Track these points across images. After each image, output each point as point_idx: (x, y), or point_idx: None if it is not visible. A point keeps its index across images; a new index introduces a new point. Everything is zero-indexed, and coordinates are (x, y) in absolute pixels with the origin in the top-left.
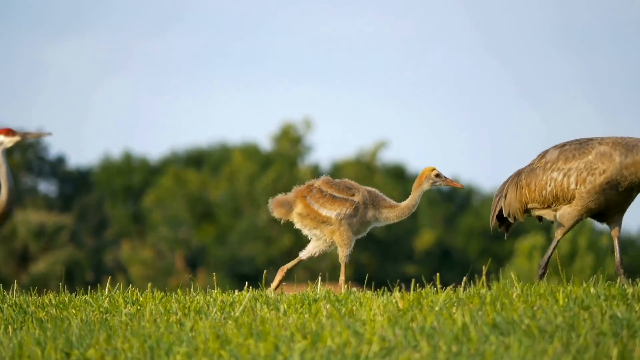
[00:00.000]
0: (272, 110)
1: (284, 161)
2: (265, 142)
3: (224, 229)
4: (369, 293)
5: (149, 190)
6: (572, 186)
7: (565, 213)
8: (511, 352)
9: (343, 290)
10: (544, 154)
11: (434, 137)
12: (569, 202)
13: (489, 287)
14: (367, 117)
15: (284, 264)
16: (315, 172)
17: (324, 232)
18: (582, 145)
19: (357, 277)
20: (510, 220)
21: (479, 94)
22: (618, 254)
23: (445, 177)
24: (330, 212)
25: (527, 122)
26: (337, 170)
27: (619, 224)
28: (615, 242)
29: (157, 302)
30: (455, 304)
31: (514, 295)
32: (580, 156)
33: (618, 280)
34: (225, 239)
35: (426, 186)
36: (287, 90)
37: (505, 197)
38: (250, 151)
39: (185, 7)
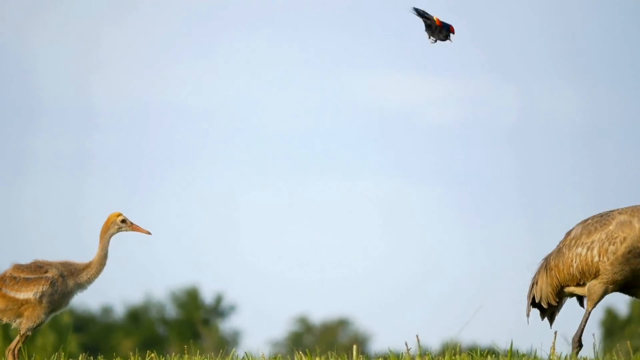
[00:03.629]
0: None
1: None
2: None
3: None
4: None
5: None
6: (596, 259)
7: (592, 286)
8: None
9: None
10: (569, 232)
11: None
12: (595, 276)
13: None
14: None
15: None
16: None
17: (23, 313)
18: (602, 218)
19: None
20: (544, 305)
21: None
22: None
23: (131, 223)
24: (27, 294)
25: None
26: None
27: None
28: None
29: None
30: None
31: None
32: (602, 227)
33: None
34: None
35: (113, 231)
36: None
37: (537, 283)
38: None
39: None
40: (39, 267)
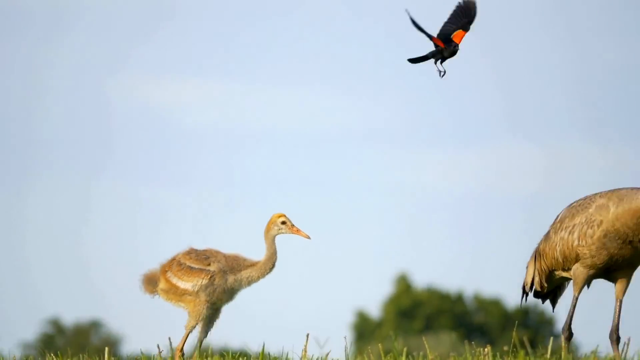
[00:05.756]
0: None
1: None
2: None
3: None
4: None
5: None
6: (575, 242)
7: (575, 270)
8: None
9: (177, 357)
10: (557, 216)
11: None
12: (576, 260)
13: None
14: None
15: None
16: None
17: (185, 304)
18: (585, 200)
19: None
20: (537, 287)
21: None
22: (617, 318)
23: (292, 225)
24: (187, 284)
25: None
26: None
27: (627, 282)
28: (617, 304)
29: None
30: None
31: None
32: (583, 211)
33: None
34: None
35: (274, 232)
36: None
37: (528, 268)
38: None
39: None
40: (205, 258)
